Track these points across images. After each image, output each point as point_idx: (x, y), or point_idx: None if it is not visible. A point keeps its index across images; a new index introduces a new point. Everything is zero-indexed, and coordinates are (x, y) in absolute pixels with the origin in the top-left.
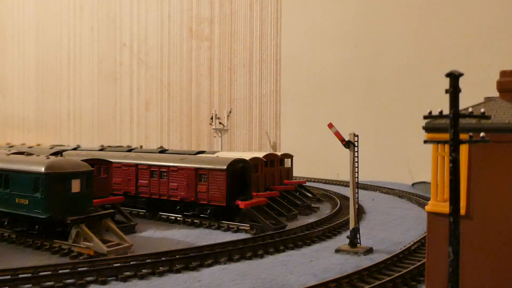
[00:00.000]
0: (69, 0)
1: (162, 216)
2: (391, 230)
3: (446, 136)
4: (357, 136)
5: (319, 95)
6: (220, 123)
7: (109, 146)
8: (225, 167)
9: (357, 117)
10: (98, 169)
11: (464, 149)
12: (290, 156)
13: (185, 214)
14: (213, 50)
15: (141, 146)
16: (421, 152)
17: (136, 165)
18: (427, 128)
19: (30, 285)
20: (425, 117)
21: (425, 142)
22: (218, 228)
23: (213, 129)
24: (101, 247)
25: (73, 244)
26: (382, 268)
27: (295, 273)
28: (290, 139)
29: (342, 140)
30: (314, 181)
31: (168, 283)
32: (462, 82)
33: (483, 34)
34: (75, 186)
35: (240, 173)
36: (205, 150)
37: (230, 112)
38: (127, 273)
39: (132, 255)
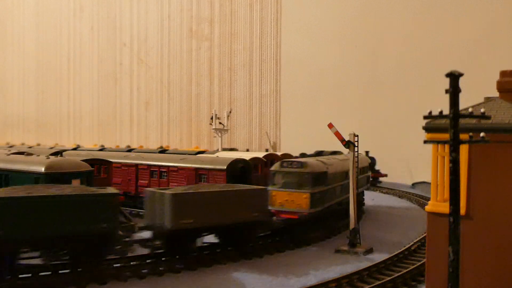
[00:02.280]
0: (69, 0)
1: None
2: (391, 230)
3: (446, 136)
4: (357, 136)
5: (319, 95)
6: (220, 123)
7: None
8: (225, 167)
9: (357, 117)
10: (98, 169)
11: (464, 149)
12: (290, 156)
13: None
14: (213, 50)
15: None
16: (421, 152)
17: (136, 165)
18: (427, 128)
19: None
20: (425, 117)
21: (425, 142)
22: None
23: (213, 129)
24: None
25: None
26: (382, 268)
27: (295, 273)
28: (290, 139)
29: (342, 140)
30: None
31: (168, 283)
32: (462, 82)
33: (483, 34)
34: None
35: (240, 173)
36: (205, 150)
37: (230, 112)
38: (127, 273)
39: (132, 255)
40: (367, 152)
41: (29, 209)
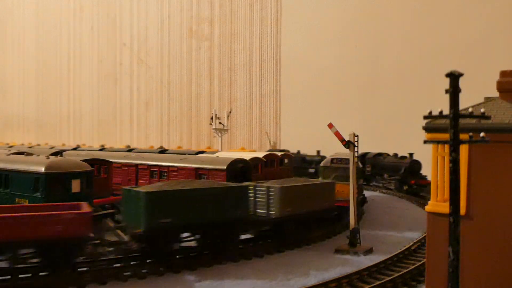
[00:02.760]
0: (69, 0)
1: None
2: (391, 230)
3: (446, 136)
4: (357, 136)
5: (319, 95)
6: (220, 123)
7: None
8: (225, 167)
9: (357, 117)
10: (98, 169)
11: (464, 149)
12: (290, 156)
13: None
14: (213, 50)
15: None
16: (421, 152)
17: (136, 165)
18: (427, 128)
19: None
20: (425, 117)
21: (425, 142)
22: None
23: (213, 129)
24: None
25: None
26: (382, 268)
27: (295, 273)
28: (290, 139)
29: (342, 140)
30: None
31: (168, 283)
32: (462, 82)
33: (483, 34)
34: (75, 186)
35: (240, 173)
36: (204, 150)
37: (230, 112)
38: (127, 273)
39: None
40: (411, 154)
41: (189, 200)
